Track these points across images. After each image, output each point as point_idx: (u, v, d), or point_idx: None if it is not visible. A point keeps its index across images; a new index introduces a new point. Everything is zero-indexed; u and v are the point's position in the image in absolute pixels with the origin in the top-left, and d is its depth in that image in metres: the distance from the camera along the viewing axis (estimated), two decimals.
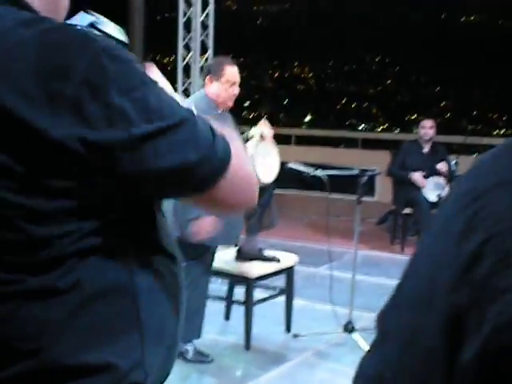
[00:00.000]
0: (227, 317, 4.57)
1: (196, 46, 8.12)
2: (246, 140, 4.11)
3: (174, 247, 1.21)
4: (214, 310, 4.37)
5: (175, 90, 7.86)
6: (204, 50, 8.25)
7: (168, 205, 3.47)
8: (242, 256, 4.19)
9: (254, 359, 4.03)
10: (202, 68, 7.95)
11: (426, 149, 7.05)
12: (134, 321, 1.09)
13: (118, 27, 1.15)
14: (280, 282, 4.48)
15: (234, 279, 4.29)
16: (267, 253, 4.29)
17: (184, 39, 8.32)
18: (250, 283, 4.08)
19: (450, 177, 6.84)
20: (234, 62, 3.99)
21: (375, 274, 5.82)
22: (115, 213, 1.05)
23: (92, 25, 1.10)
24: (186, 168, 1.03)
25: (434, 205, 6.61)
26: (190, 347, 3.91)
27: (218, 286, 4.57)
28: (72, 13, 1.15)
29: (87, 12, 1.14)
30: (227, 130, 1.13)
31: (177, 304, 1.20)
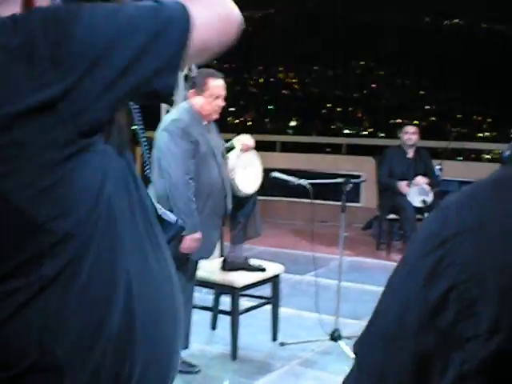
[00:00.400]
0: (214, 326, 4.57)
1: None
2: (228, 151, 4.12)
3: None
4: (200, 319, 4.36)
5: None
6: None
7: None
8: (227, 266, 4.20)
9: (241, 369, 4.02)
10: (185, 76, 7.94)
11: (410, 154, 7.08)
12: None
13: None
14: (266, 290, 4.49)
15: (220, 289, 4.29)
16: (253, 262, 4.29)
17: None
18: (235, 293, 4.08)
19: (435, 182, 6.88)
20: (218, 75, 3.95)
21: (361, 281, 5.83)
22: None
23: None
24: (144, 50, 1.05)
25: (418, 210, 6.65)
26: None
27: (203, 296, 4.57)
28: None
29: None
30: None
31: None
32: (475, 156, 19.04)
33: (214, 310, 4.51)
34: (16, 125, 0.99)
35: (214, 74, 3.92)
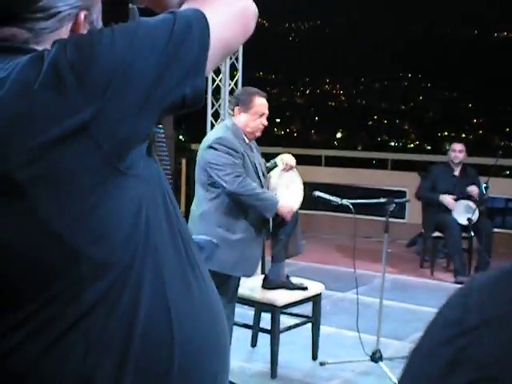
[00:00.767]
0: (254, 344, 4.56)
1: (225, 68, 8.15)
2: (270, 169, 4.13)
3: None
4: (240, 336, 4.37)
5: (205, 112, 7.90)
6: (233, 70, 8.25)
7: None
8: (268, 284, 4.19)
9: None
10: (231, 90, 7.98)
11: (457, 172, 6.99)
12: None
13: None
14: (307, 308, 4.46)
15: (260, 307, 4.29)
16: (294, 280, 4.28)
17: None
18: (276, 311, 4.07)
19: (481, 200, 6.77)
20: (262, 93, 3.98)
21: (403, 299, 5.76)
22: None
23: None
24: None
25: (464, 228, 6.55)
26: None
27: (244, 312, 4.57)
28: None
29: None
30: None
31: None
32: None
33: (255, 328, 4.50)
34: (51, 153, 1.00)
35: (258, 93, 3.96)
